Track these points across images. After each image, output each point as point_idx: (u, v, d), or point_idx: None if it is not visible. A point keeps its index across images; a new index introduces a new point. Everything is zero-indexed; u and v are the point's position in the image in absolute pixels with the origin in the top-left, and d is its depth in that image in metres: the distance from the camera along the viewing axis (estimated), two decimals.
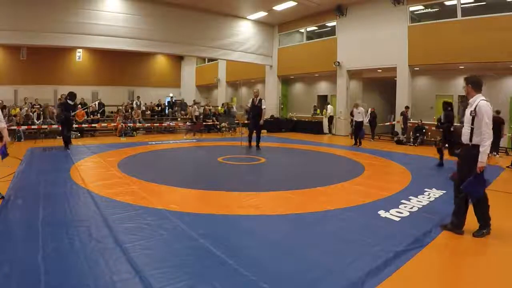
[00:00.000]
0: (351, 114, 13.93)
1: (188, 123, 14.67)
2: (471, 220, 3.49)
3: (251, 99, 9.93)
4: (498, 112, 9.83)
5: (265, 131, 15.95)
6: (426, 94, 14.02)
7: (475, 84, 3.47)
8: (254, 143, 9.83)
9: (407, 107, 12.50)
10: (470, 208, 3.51)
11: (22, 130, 11.69)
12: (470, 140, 3.38)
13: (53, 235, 3.24)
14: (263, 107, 9.62)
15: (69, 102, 9.38)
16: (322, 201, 4.68)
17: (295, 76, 18.56)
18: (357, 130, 11.44)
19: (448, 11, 11.80)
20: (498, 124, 9.72)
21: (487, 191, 3.49)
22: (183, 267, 2.65)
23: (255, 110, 9.61)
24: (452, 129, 7.30)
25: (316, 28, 16.97)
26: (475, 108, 3.36)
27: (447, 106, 7.57)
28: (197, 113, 14.73)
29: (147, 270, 2.57)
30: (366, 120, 12.22)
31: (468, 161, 3.38)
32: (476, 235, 3.41)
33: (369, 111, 13.55)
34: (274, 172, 7.07)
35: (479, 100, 3.38)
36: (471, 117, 3.37)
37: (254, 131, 9.79)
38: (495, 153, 9.76)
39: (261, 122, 9.59)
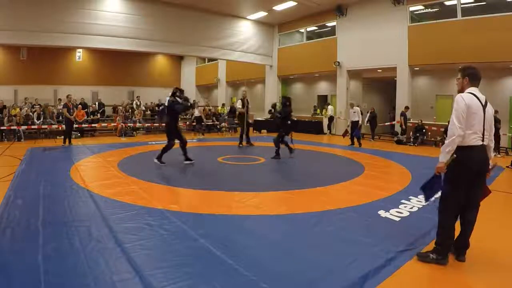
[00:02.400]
0: None
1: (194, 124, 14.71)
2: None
3: (239, 100, 10.54)
4: (496, 112, 9.83)
5: (265, 131, 15.97)
6: (426, 94, 14.02)
7: (473, 77, 2.88)
8: (244, 143, 10.37)
9: (406, 107, 12.49)
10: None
11: (22, 130, 11.70)
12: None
13: (53, 235, 3.24)
14: (249, 106, 10.41)
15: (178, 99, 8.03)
16: (322, 201, 4.68)
17: (295, 76, 18.56)
18: (352, 130, 11.44)
19: (448, 11, 11.81)
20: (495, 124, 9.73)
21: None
22: (183, 267, 2.65)
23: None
24: (289, 122, 8.18)
25: (316, 28, 16.96)
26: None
27: (286, 100, 8.37)
28: (197, 114, 14.64)
29: (147, 270, 2.57)
30: (363, 120, 12.19)
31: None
32: (420, 255, 2.89)
33: (368, 112, 13.57)
34: (274, 172, 7.07)
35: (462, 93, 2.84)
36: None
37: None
38: (495, 153, 9.76)
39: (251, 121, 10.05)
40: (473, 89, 2.83)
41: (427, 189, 3.03)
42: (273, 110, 9.17)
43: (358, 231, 3.52)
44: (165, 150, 7.16)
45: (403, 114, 12.33)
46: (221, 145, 11.19)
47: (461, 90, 2.92)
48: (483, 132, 2.76)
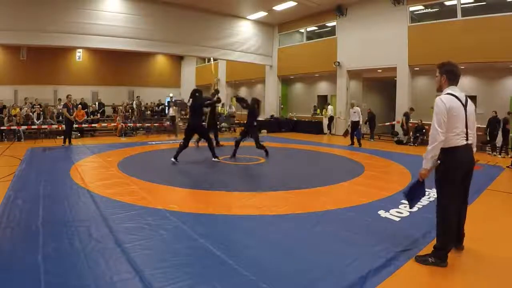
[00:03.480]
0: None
1: (169, 123, 14.03)
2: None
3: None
4: (495, 112, 9.86)
5: (265, 131, 15.97)
6: (426, 94, 13.99)
7: (450, 75, 2.77)
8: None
9: (412, 109, 12.36)
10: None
11: (22, 130, 11.70)
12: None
13: (53, 235, 3.25)
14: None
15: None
16: (322, 201, 4.68)
17: (295, 76, 18.55)
18: (353, 130, 11.43)
19: (448, 11, 11.80)
20: (493, 124, 9.77)
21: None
22: (183, 267, 2.65)
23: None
24: (255, 123, 8.05)
25: (316, 28, 16.96)
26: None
27: (254, 102, 8.10)
28: (172, 114, 13.79)
29: (147, 270, 2.57)
30: (362, 120, 12.16)
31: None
32: (418, 259, 2.85)
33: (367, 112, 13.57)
34: (274, 172, 7.07)
35: (441, 95, 2.76)
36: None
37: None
38: (495, 153, 9.76)
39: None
40: (452, 89, 2.77)
41: (410, 196, 3.02)
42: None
43: (358, 231, 3.52)
44: (211, 148, 7.45)
45: (406, 115, 12.27)
46: (221, 145, 11.17)
47: (439, 89, 2.86)
48: (467, 132, 2.73)
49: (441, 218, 2.81)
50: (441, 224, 2.81)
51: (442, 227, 2.80)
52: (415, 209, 4.26)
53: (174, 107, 14.29)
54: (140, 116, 15.02)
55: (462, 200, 2.88)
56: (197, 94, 7.39)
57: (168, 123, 14.22)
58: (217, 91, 7.96)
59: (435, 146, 2.66)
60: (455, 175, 2.73)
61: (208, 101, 7.83)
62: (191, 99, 7.44)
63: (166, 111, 17.29)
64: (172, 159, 7.23)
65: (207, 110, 9.11)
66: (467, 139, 2.74)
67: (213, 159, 7.45)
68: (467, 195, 2.95)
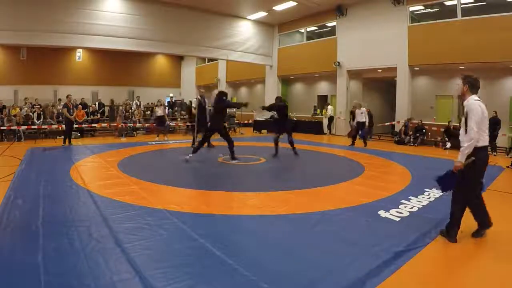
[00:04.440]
0: (351, 114, 13.94)
1: (155, 125, 13.39)
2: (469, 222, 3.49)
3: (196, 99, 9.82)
4: (495, 112, 9.86)
5: (265, 131, 15.97)
6: (426, 94, 14.02)
7: (472, 86, 3.32)
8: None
9: (410, 119, 12.38)
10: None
11: (22, 130, 11.70)
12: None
13: (53, 235, 3.24)
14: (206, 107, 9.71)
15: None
16: (322, 201, 4.68)
17: (295, 76, 18.56)
18: (358, 131, 11.42)
19: (448, 11, 11.81)
20: (493, 124, 9.77)
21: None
22: (183, 267, 2.65)
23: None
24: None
25: (316, 28, 16.96)
26: (466, 109, 3.26)
27: (279, 100, 8.57)
28: (160, 113, 12.99)
29: (147, 270, 2.57)
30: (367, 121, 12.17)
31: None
32: (475, 235, 3.41)
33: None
34: (274, 172, 7.07)
35: (471, 101, 3.25)
36: (464, 119, 3.25)
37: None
38: (495, 153, 9.76)
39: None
40: (476, 97, 3.27)
41: (443, 183, 3.43)
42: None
43: (358, 231, 3.53)
44: (231, 148, 7.52)
45: (405, 125, 12.27)
46: (221, 145, 11.18)
47: (460, 96, 3.38)
48: (487, 132, 3.27)
49: (462, 202, 3.31)
50: (459, 206, 3.31)
51: (461, 209, 3.31)
52: (415, 209, 4.28)
53: (161, 107, 13.38)
54: (141, 116, 14.99)
55: (480, 189, 3.41)
56: (224, 97, 7.67)
57: (154, 123, 13.51)
58: (246, 105, 8.16)
59: (471, 144, 3.12)
60: (481, 169, 3.25)
61: (234, 105, 8.08)
62: (213, 100, 7.73)
63: (166, 111, 17.07)
64: (189, 155, 7.41)
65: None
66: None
67: (232, 160, 7.47)
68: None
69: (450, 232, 3.33)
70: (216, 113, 7.58)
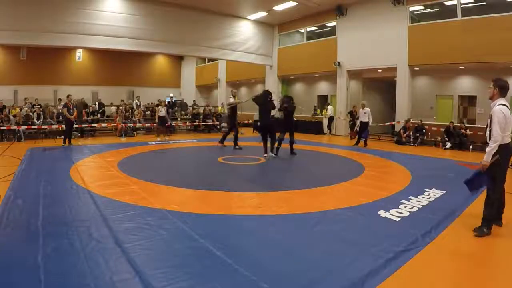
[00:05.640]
0: (351, 114, 13.93)
1: (155, 125, 13.46)
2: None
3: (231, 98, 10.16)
4: None
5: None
6: (426, 94, 14.02)
7: (501, 89, 3.54)
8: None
9: (407, 121, 12.34)
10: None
11: (22, 130, 11.70)
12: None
13: (53, 235, 3.24)
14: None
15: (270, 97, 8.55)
16: (322, 201, 4.68)
17: (295, 76, 18.56)
18: (361, 131, 11.39)
19: (448, 11, 11.80)
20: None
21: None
22: (183, 267, 2.65)
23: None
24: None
25: (316, 28, 16.95)
26: (491, 112, 3.52)
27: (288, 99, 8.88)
28: (162, 114, 13.01)
29: (147, 270, 2.57)
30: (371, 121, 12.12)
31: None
32: (476, 230, 3.50)
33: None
34: (274, 172, 7.07)
35: (497, 104, 3.50)
36: (489, 120, 3.51)
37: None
38: None
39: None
40: (503, 100, 3.53)
41: (472, 184, 3.60)
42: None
43: (358, 231, 3.53)
44: (276, 146, 8.28)
45: (404, 128, 12.25)
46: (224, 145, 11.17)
47: (491, 98, 3.62)
48: (508, 133, 3.56)
49: (495, 196, 3.52)
50: (491, 200, 3.51)
51: (493, 202, 3.52)
52: (415, 209, 4.28)
53: (164, 107, 13.40)
54: (141, 116, 14.99)
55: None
56: (270, 96, 8.14)
57: (156, 123, 13.41)
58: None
59: (497, 145, 3.41)
60: (506, 164, 3.56)
61: (285, 106, 8.67)
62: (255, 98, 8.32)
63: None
64: (272, 154, 8.07)
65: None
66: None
67: (270, 153, 8.07)
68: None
69: (490, 223, 3.49)
70: (268, 112, 8.10)
